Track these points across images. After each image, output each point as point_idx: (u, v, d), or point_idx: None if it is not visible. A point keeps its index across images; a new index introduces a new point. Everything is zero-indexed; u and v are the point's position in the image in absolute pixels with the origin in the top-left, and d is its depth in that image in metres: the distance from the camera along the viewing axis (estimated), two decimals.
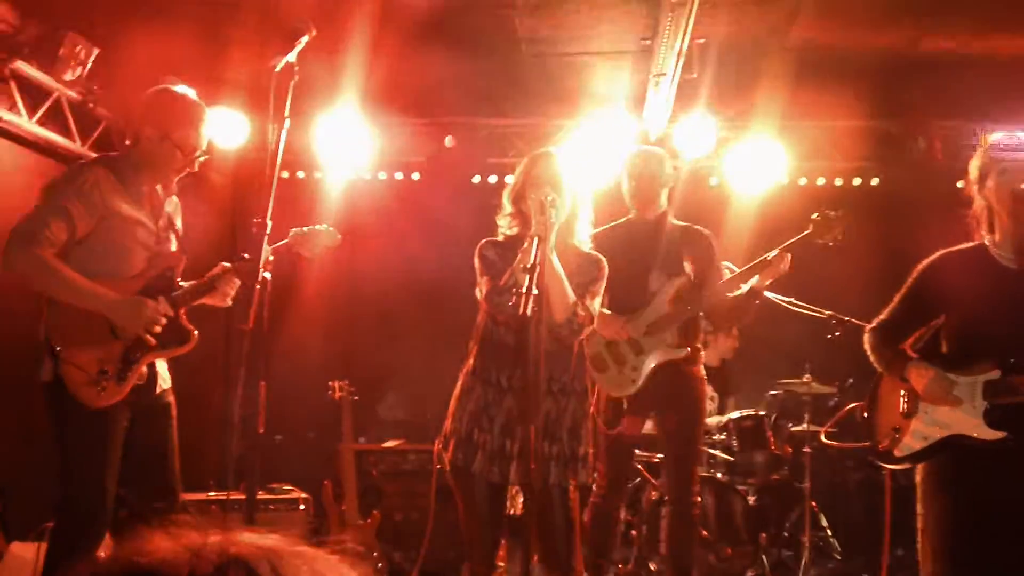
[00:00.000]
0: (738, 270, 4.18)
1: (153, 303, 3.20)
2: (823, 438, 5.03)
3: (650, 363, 4.08)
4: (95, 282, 3.12)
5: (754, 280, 4.08)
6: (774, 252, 4.04)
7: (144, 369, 3.24)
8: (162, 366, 3.39)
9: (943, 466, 2.90)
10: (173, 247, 3.42)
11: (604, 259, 3.29)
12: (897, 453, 2.98)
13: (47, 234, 3.05)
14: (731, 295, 4.11)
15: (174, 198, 3.49)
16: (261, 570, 0.77)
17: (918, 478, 2.97)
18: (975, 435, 2.80)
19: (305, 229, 3.58)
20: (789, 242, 4.08)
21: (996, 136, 2.92)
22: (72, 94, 5.50)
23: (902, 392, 3.02)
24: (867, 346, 3.14)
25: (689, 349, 4.14)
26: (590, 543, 4.15)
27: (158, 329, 3.21)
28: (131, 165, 3.31)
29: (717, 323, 4.57)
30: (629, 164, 4.28)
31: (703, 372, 4.23)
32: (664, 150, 4.53)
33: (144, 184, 3.32)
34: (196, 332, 3.38)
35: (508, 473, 3.04)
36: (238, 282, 3.42)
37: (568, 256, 3.15)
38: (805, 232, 4.08)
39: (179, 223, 3.51)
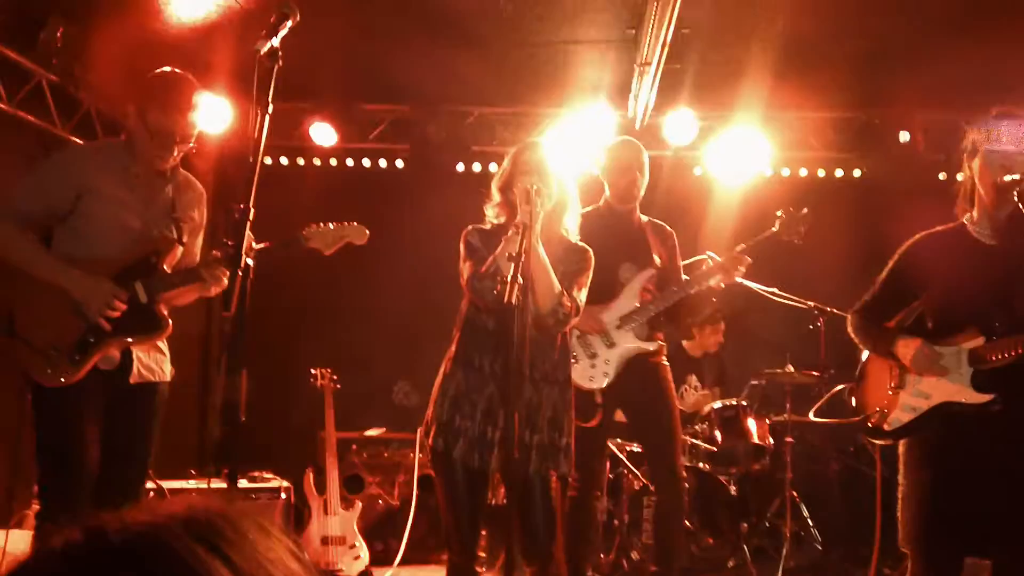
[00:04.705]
0: (719, 259, 4.19)
1: (111, 286, 3.06)
2: (811, 416, 5.07)
3: (623, 356, 4.08)
4: (71, 263, 3.05)
5: (713, 281, 4.10)
6: (734, 251, 4.09)
7: (116, 355, 3.12)
8: (154, 359, 3.23)
9: (929, 435, 2.91)
10: (172, 234, 3.26)
11: (590, 249, 3.27)
12: (886, 427, 3.00)
13: (16, 207, 3.07)
14: (689, 292, 4.13)
15: (196, 185, 3.39)
16: (221, 526, 0.76)
17: (901, 448, 2.99)
18: (963, 400, 2.83)
19: (331, 225, 3.41)
20: (755, 240, 4.15)
21: (996, 115, 2.90)
22: (53, 77, 5.44)
23: (890, 368, 3.04)
24: (851, 328, 3.16)
25: (659, 342, 4.16)
26: (568, 534, 4.14)
27: (115, 314, 3.05)
28: (122, 147, 3.26)
29: (675, 319, 4.51)
30: (613, 156, 4.25)
31: (666, 360, 4.24)
32: (639, 142, 4.51)
33: (135, 166, 3.22)
34: (171, 322, 3.22)
35: (489, 460, 3.02)
36: (227, 272, 3.18)
37: (553, 245, 3.13)
38: (771, 230, 4.16)
39: (196, 212, 3.37)
